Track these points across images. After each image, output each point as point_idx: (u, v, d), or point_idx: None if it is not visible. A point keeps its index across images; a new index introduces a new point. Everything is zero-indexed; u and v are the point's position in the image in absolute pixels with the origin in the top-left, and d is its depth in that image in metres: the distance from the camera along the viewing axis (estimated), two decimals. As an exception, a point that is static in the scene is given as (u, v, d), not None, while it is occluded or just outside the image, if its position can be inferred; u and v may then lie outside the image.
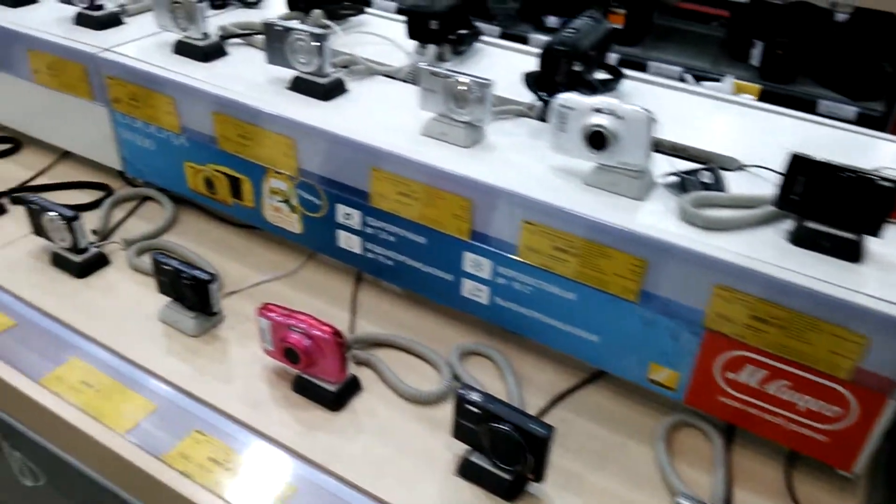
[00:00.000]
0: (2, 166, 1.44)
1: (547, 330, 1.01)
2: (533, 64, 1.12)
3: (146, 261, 1.20)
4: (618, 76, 1.22)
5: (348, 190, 1.09)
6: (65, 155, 1.48)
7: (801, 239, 0.86)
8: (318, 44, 1.12)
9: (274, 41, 1.16)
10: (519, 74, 1.15)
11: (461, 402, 0.85)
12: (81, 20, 1.37)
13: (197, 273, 1.03)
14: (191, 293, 1.05)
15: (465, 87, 1.01)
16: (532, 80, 1.11)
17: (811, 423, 0.86)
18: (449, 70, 1.02)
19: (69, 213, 1.14)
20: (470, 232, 1.00)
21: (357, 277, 1.20)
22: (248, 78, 1.20)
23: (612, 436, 0.97)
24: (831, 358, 0.81)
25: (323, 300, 1.15)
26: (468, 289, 1.05)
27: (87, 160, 1.43)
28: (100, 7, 1.35)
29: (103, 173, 1.42)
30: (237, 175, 1.20)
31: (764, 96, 2.79)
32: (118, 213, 1.33)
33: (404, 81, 1.23)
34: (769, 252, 0.84)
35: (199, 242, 1.26)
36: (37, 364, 1.01)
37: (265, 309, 0.97)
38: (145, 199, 1.37)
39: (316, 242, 1.19)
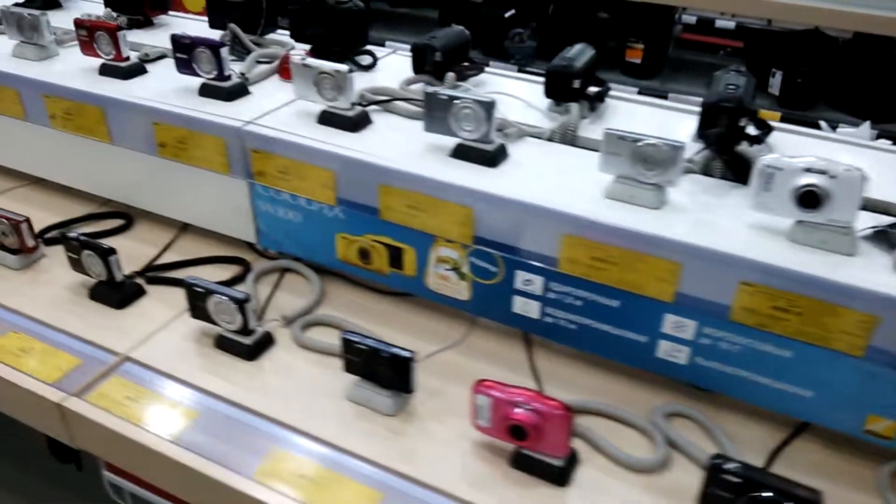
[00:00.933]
0: (120, 243, 1.39)
1: (754, 388, 1.01)
2: (671, 119, 1.14)
3: (312, 337, 1.17)
4: (767, 129, 1.24)
5: (532, 256, 1.08)
6: (183, 228, 1.45)
7: None
8: (486, 111, 1.12)
9: (435, 109, 1.15)
10: (657, 129, 1.16)
11: (716, 472, 0.84)
12: (207, 91, 1.35)
13: (396, 351, 1.01)
14: (388, 371, 1.02)
15: (656, 149, 1.02)
16: (714, 139, 1.12)
17: None
18: (636, 134, 1.02)
19: (239, 294, 1.11)
20: (674, 294, 1.00)
21: (525, 341, 1.19)
22: (403, 147, 1.19)
23: (835, 488, 0.96)
24: None
25: (501, 368, 1.14)
26: (665, 350, 1.05)
27: (207, 232, 1.40)
28: (227, 77, 1.33)
29: (228, 245, 1.39)
30: (399, 245, 1.18)
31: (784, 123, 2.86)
32: (261, 289, 1.30)
33: (550, 141, 1.23)
34: None
35: (353, 313, 1.24)
36: (239, 457, 0.98)
37: (483, 386, 0.95)
38: (283, 271, 1.34)
39: (484, 309, 1.17)
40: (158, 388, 1.08)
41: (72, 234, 1.24)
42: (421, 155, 1.17)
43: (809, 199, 0.93)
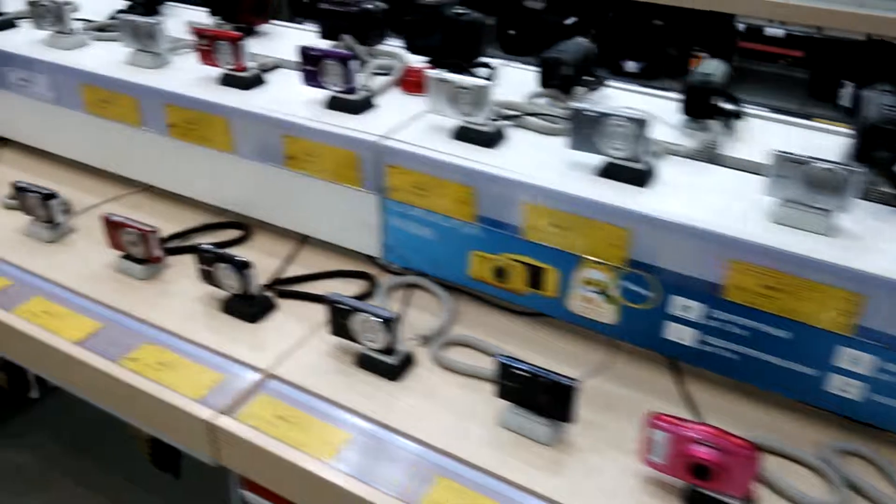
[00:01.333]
0: (241, 254, 1.38)
1: (933, 426, 0.97)
2: (812, 138, 1.11)
3: (455, 358, 1.14)
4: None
5: (690, 282, 1.04)
6: (301, 240, 1.43)
7: None
8: (639, 129, 1.09)
9: (583, 127, 1.12)
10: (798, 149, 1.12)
11: None
12: (336, 104, 1.32)
13: (557, 378, 0.98)
14: (548, 399, 0.99)
15: (831, 174, 0.98)
16: (884, 161, 1.08)
17: None
18: (808, 156, 0.99)
19: (387, 313, 1.08)
20: (853, 327, 0.96)
21: (672, 368, 1.15)
22: (544, 163, 1.16)
23: None
24: None
25: (651, 396, 1.10)
26: (836, 384, 1.01)
27: (325, 245, 1.38)
28: (356, 90, 1.31)
29: (347, 258, 1.37)
30: (541, 265, 1.16)
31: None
32: (389, 304, 1.27)
33: (691, 159, 1.20)
34: None
35: (488, 333, 1.21)
36: (402, 483, 0.95)
37: (659, 419, 0.91)
38: (408, 286, 1.32)
39: (631, 333, 1.14)
40: (307, 407, 1.06)
41: (205, 247, 1.22)
42: (564, 172, 1.14)
43: None
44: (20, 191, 1.43)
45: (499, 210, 1.15)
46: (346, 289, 1.29)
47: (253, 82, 1.42)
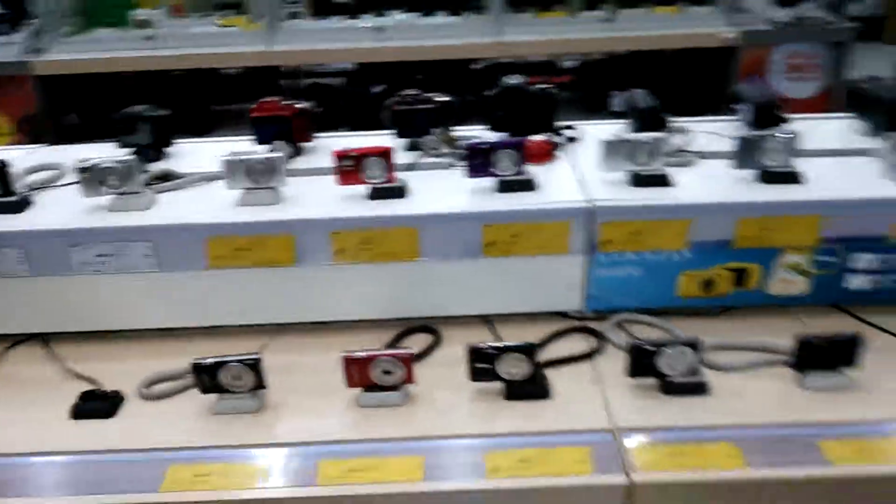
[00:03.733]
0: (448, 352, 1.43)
1: None
2: None
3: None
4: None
5: (864, 241, 1.40)
6: (484, 320, 1.50)
7: None
8: (789, 144, 1.43)
9: (747, 149, 1.43)
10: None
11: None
12: (508, 186, 1.45)
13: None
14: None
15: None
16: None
17: None
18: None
19: (685, 338, 1.27)
20: None
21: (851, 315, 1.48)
22: (724, 183, 1.44)
23: None
24: None
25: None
26: (971, 279, 1.44)
27: (513, 318, 1.48)
28: (521, 173, 1.45)
29: (541, 322, 1.48)
30: (745, 265, 1.43)
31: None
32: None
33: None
34: None
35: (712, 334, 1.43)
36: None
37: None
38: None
39: (821, 296, 1.46)
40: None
41: (483, 345, 1.26)
42: (748, 185, 1.43)
43: None
44: (200, 370, 1.27)
45: (713, 231, 1.40)
46: (570, 346, 1.41)
47: (403, 189, 1.46)
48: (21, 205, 1.47)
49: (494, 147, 1.42)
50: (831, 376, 1.28)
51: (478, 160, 1.43)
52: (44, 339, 1.49)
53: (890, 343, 1.38)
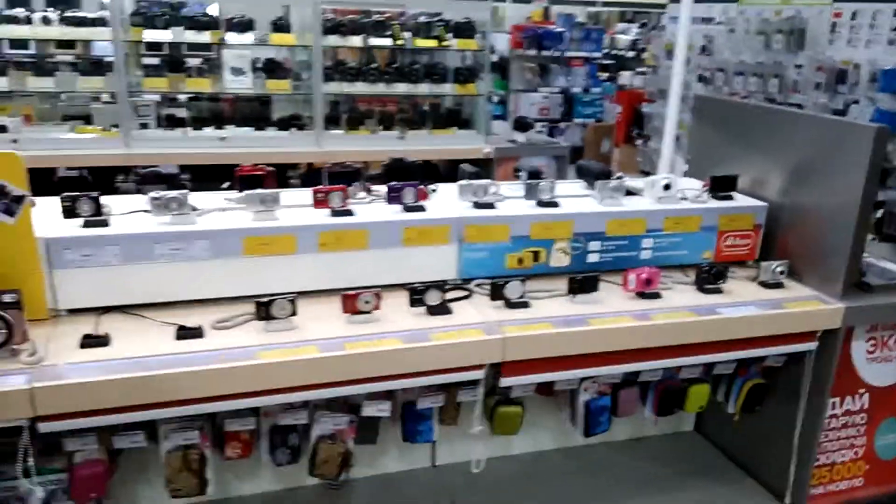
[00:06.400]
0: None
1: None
2: None
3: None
4: None
5: (593, 234, 2.72)
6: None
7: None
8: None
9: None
10: None
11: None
12: (409, 209, 2.57)
13: (593, 273, 2.54)
14: (592, 283, 2.54)
15: None
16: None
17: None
18: None
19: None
20: (645, 230, 2.80)
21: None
22: (524, 206, 2.70)
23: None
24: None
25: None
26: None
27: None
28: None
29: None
30: (538, 250, 2.67)
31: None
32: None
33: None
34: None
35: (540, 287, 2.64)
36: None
37: (631, 270, 2.58)
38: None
39: (576, 266, 2.73)
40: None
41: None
42: (534, 208, 2.70)
43: (666, 187, 2.86)
44: (260, 305, 2.19)
45: (519, 230, 2.62)
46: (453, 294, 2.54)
47: (350, 212, 2.52)
48: (105, 222, 2.29)
49: (404, 187, 2.55)
50: (585, 296, 2.53)
51: (395, 194, 2.54)
52: (122, 309, 2.28)
53: (609, 285, 2.65)
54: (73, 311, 2.23)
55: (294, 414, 2.35)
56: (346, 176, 2.71)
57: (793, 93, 6.50)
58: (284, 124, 5.12)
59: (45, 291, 2.16)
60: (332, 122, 5.15)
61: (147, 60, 5.21)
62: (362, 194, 2.70)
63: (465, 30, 5.35)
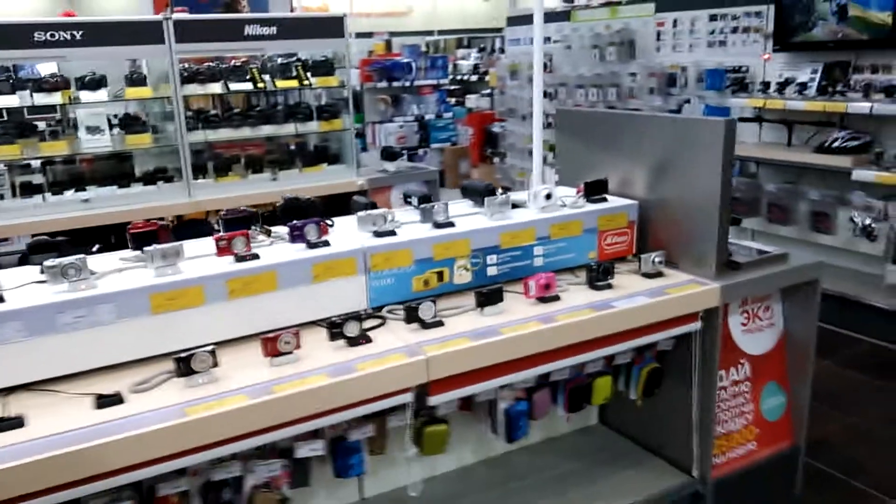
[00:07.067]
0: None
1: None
2: None
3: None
4: None
5: (490, 248, 2.86)
6: (315, 325, 2.59)
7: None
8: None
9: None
10: None
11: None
12: (312, 245, 2.61)
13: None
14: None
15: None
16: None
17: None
18: None
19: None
20: (535, 239, 2.97)
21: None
22: (422, 230, 2.80)
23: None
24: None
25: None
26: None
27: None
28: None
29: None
30: (441, 270, 2.78)
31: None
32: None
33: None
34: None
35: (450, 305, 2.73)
36: (495, 334, 2.50)
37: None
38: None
39: (477, 281, 2.86)
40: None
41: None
42: (431, 230, 2.80)
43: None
44: (179, 360, 2.15)
45: (421, 253, 2.72)
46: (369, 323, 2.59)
47: (256, 255, 2.52)
48: (1, 297, 2.17)
49: (306, 224, 2.58)
50: (492, 308, 2.65)
51: (297, 232, 2.56)
52: (28, 387, 2.16)
53: (510, 294, 2.79)
54: (-27, 397, 2.10)
55: (227, 468, 2.30)
56: (243, 221, 2.70)
57: (630, 98, 7.04)
58: (150, 178, 4.96)
59: (-61, 379, 2.02)
60: (198, 171, 5.05)
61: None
62: (262, 237, 2.70)
63: (322, 67, 5.41)
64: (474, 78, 14.05)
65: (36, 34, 4.38)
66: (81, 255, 2.26)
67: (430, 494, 2.98)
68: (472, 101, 13.37)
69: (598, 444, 3.45)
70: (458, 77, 13.90)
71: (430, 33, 20.58)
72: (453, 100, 12.16)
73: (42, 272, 2.24)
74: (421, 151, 8.97)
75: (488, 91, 13.34)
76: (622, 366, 3.12)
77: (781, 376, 3.35)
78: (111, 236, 4.87)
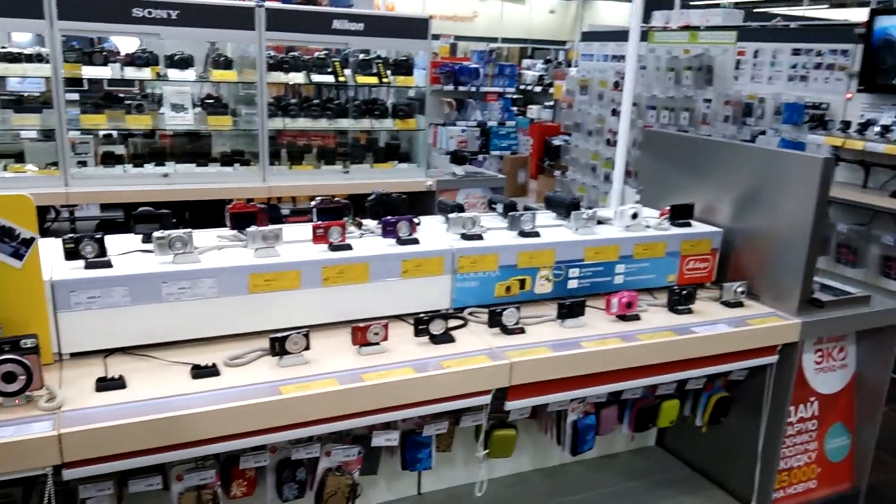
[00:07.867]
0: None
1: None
2: None
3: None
4: None
5: (573, 261, 2.88)
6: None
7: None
8: (533, 216, 2.89)
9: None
10: None
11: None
12: (403, 242, 2.65)
13: None
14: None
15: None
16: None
17: (706, 267, 3.19)
18: None
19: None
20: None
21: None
22: (508, 236, 2.82)
23: (668, 302, 3.07)
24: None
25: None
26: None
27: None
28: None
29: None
30: (524, 278, 2.80)
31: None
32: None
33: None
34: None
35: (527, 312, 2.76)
36: (577, 346, 2.51)
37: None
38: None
39: (558, 292, 2.87)
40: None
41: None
42: (517, 238, 2.83)
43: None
44: (274, 341, 2.21)
45: (507, 259, 2.74)
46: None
47: (350, 246, 2.57)
48: (109, 263, 2.25)
49: (399, 221, 2.62)
50: (573, 321, 2.67)
51: (389, 228, 2.61)
52: (127, 350, 2.24)
53: (590, 309, 2.80)
54: (76, 355, 2.18)
55: (306, 448, 2.36)
56: (336, 211, 2.76)
57: (702, 124, 6.98)
58: (227, 160, 5.07)
59: (50, 335, 2.11)
60: (272, 157, 5.14)
61: (70, 96, 5.03)
62: (352, 229, 2.75)
63: (403, 67, 5.48)
64: (538, 89, 14.07)
65: (134, 10, 4.51)
66: (189, 230, 2.33)
67: (488, 496, 3.00)
68: (533, 111, 13.38)
69: (655, 467, 3.44)
70: (522, 87, 13.92)
71: (493, 40, 20.67)
72: (515, 109, 12.19)
73: (146, 241, 2.31)
74: (481, 157, 8.99)
75: (551, 103, 13.36)
76: (691, 391, 3.11)
77: (848, 418, 3.30)
78: (185, 212, 5.00)
